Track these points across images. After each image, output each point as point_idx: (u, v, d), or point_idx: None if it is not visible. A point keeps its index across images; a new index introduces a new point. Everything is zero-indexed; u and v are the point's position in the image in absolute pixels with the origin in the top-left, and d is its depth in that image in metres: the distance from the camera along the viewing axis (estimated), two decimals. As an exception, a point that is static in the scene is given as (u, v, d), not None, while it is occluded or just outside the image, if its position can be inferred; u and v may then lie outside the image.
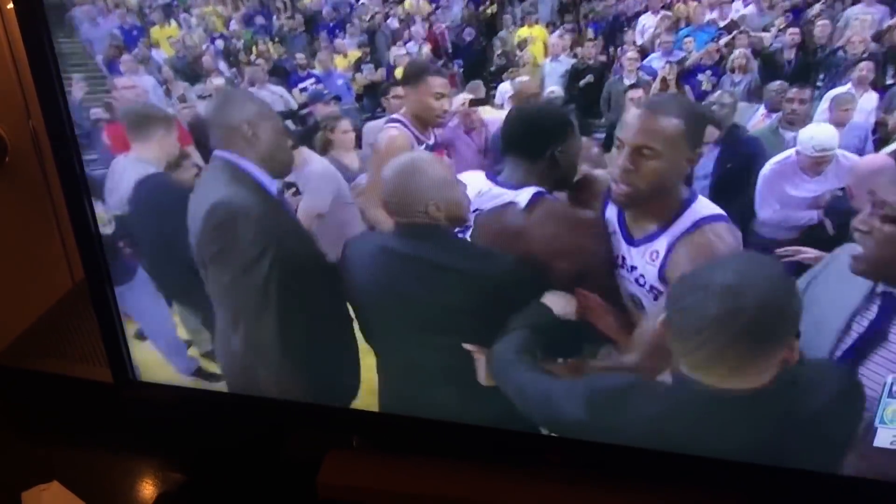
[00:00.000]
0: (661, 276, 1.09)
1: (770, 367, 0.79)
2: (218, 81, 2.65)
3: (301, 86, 2.52)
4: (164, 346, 1.62)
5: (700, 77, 2.20)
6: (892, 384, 0.93)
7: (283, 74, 2.76)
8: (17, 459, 1.85)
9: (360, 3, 3.21)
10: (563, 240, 1.17)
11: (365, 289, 1.29)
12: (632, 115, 1.05)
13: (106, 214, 1.56)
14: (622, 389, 0.99)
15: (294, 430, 1.83)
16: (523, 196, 1.20)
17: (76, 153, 1.49)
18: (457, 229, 1.19)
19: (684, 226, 1.06)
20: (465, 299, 1.20)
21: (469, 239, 1.23)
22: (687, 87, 2.11)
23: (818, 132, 1.31)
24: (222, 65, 2.77)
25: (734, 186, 1.30)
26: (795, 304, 0.78)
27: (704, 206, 1.06)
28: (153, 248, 1.59)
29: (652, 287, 1.13)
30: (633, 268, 1.15)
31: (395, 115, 1.56)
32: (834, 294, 0.93)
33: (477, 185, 1.25)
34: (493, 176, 1.27)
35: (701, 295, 0.76)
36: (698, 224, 1.04)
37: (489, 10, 3.23)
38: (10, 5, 1.40)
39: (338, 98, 2.06)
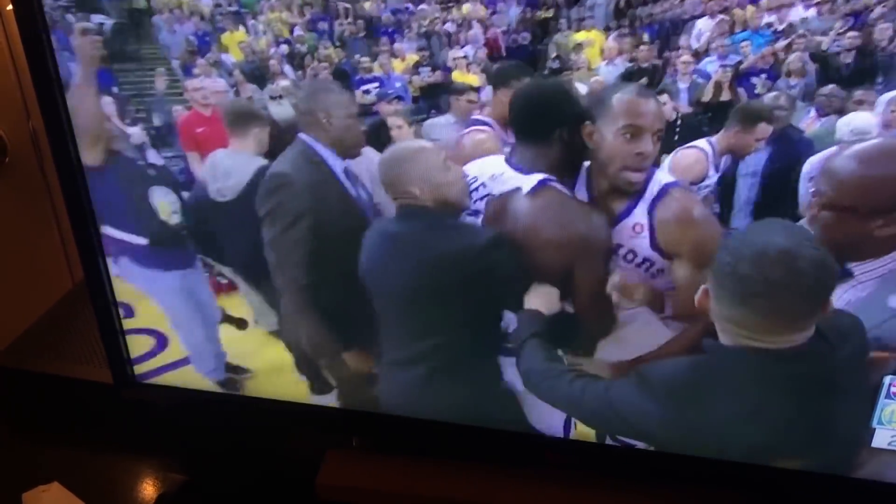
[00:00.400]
0: (655, 245, 1.11)
1: (811, 325, 0.83)
2: (284, 83, 2.79)
3: (364, 88, 2.63)
4: (194, 342, 1.65)
5: (754, 80, 2.19)
6: (889, 385, 0.95)
7: (345, 77, 2.88)
8: (18, 460, 1.89)
9: (418, 8, 3.32)
10: (561, 229, 1.16)
11: (370, 271, 1.32)
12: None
13: (170, 206, 1.65)
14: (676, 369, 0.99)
15: (293, 431, 1.84)
16: (529, 182, 1.19)
17: (75, 153, 1.51)
18: (461, 213, 1.21)
19: (654, 193, 1.09)
20: (452, 280, 1.21)
21: (476, 223, 1.22)
22: (741, 90, 2.10)
23: (855, 118, 1.33)
24: (287, 68, 2.91)
25: (782, 186, 1.31)
26: (834, 264, 0.82)
27: (664, 175, 1.11)
28: (241, 232, 1.62)
29: (645, 259, 1.13)
30: (619, 245, 1.16)
31: (480, 118, 1.58)
32: None
33: (493, 169, 1.25)
34: (509, 159, 1.26)
35: (759, 260, 0.79)
36: (666, 188, 1.08)
37: (544, 15, 3.28)
38: (10, 7, 1.43)
39: (399, 98, 2.15)
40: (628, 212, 1.11)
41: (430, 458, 1.67)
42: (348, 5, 3.42)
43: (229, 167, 1.55)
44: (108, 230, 1.58)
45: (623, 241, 1.13)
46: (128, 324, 1.83)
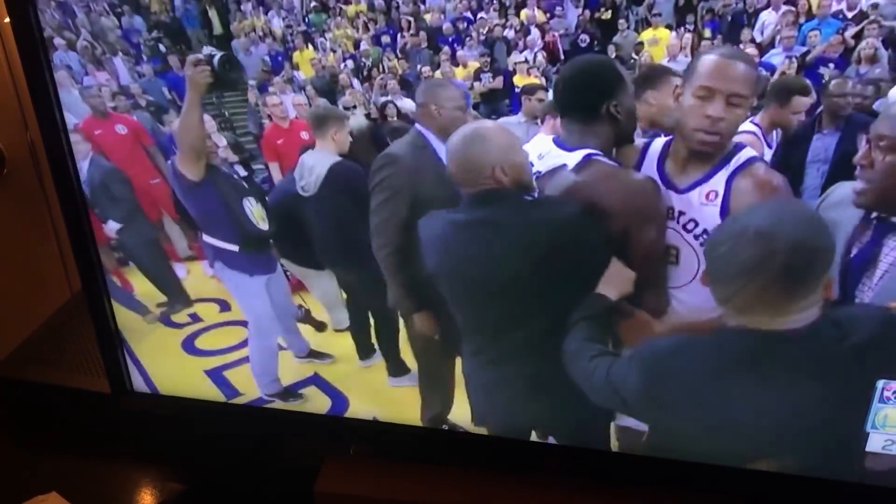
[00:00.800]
0: (725, 212, 1.09)
1: (812, 306, 0.83)
2: (350, 96, 2.95)
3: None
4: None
5: (822, 70, 2.15)
6: (882, 389, 0.93)
7: (409, 87, 3.00)
8: (16, 470, 1.83)
9: (478, 17, 3.41)
10: (611, 200, 1.14)
11: (443, 263, 1.28)
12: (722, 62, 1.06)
13: (262, 213, 1.76)
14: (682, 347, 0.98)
15: (291, 439, 1.80)
16: (574, 158, 1.19)
17: (72, 165, 1.50)
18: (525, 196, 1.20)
19: (738, 163, 1.09)
20: (535, 259, 1.17)
21: (554, 197, 1.19)
22: (808, 82, 2.06)
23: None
24: (356, 82, 3.06)
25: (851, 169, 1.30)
26: (827, 242, 0.81)
27: (751, 150, 1.11)
28: (334, 223, 1.72)
29: (705, 230, 1.13)
30: (682, 213, 1.15)
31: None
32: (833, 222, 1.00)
33: (540, 148, 1.25)
34: (556, 139, 1.26)
35: (735, 242, 0.80)
36: (751, 161, 1.08)
37: (604, 16, 3.31)
38: (7, 20, 1.40)
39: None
40: (706, 178, 1.11)
41: (427, 465, 1.65)
42: (410, 18, 3.56)
43: (312, 164, 1.71)
44: (206, 238, 1.71)
45: (688, 209, 1.13)
46: (221, 317, 1.96)
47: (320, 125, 1.76)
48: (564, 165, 1.20)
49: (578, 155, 1.19)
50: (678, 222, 1.14)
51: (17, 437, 2.02)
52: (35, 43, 1.43)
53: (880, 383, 0.94)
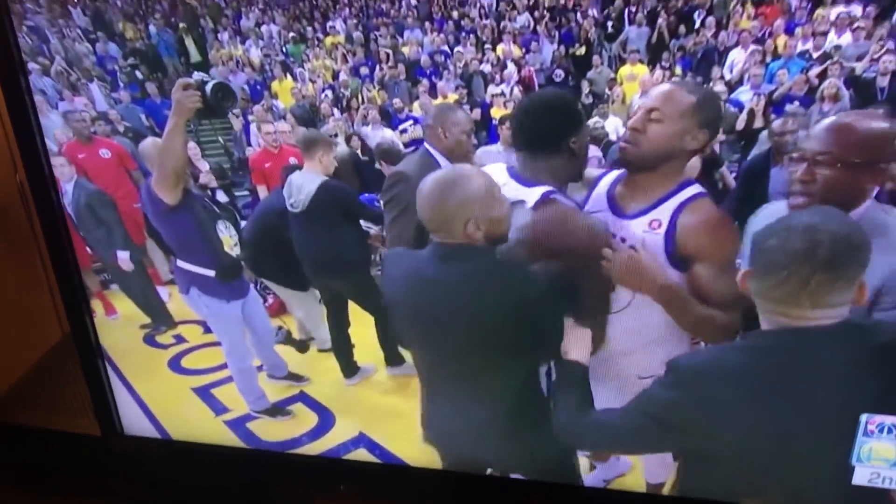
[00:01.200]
0: (669, 242, 1.10)
1: (845, 303, 0.86)
2: (332, 125, 2.97)
3: (401, 127, 2.79)
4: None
5: (788, 108, 2.24)
6: (865, 423, 0.95)
7: (387, 117, 3.04)
8: None
9: (455, 51, 3.49)
10: (568, 241, 1.14)
11: (398, 305, 1.21)
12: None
13: (232, 239, 1.78)
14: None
15: (281, 480, 1.80)
16: (533, 196, 1.16)
17: (58, 205, 1.49)
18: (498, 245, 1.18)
19: (684, 197, 1.11)
20: (497, 315, 1.11)
21: (518, 256, 1.18)
22: (774, 117, 2.15)
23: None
24: (336, 111, 3.09)
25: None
26: (865, 241, 0.85)
27: (698, 187, 1.13)
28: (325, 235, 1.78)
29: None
30: (623, 240, 1.16)
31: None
32: None
33: (496, 178, 1.22)
34: (510, 169, 1.23)
35: (785, 234, 0.83)
36: (696, 196, 1.10)
37: (578, 52, 3.41)
38: None
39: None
40: (652, 208, 1.12)
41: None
42: (389, 51, 3.62)
43: (301, 184, 1.74)
44: (181, 263, 1.71)
45: (630, 236, 1.15)
46: (204, 338, 2.00)
47: (309, 148, 1.81)
48: (524, 202, 1.18)
49: (537, 192, 1.15)
50: (621, 247, 1.16)
51: (8, 482, 1.96)
52: (20, 85, 1.40)
53: (864, 417, 0.94)
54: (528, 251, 1.13)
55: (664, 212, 1.10)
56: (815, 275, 0.82)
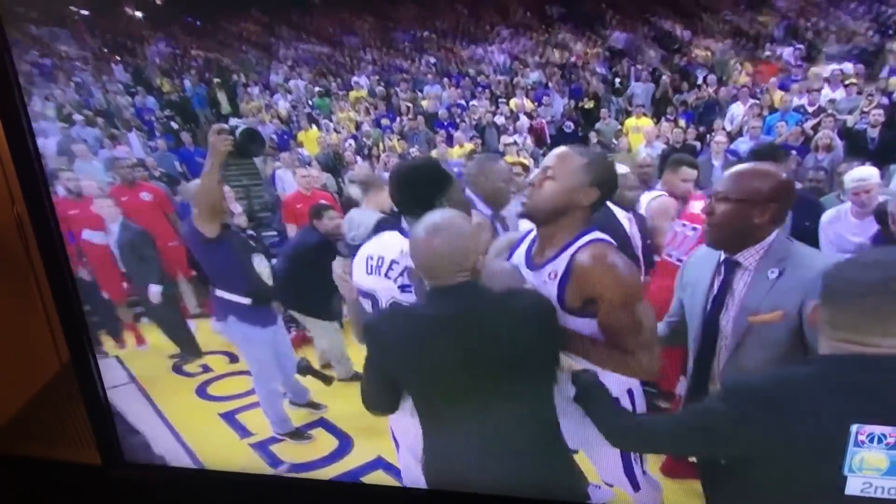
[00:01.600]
0: (561, 294, 1.15)
1: None
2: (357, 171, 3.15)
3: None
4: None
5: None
6: (856, 433, 1.00)
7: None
8: None
9: (470, 104, 3.70)
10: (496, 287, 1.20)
11: (406, 359, 1.19)
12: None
13: (266, 271, 1.90)
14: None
15: None
16: None
17: (58, 236, 1.53)
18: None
19: (582, 242, 1.18)
20: (505, 345, 1.14)
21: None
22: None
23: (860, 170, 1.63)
24: (359, 159, 3.28)
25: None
26: None
27: (598, 233, 1.21)
28: None
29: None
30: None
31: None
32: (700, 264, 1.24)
33: (400, 245, 1.26)
34: (406, 234, 1.29)
35: (862, 267, 0.94)
36: (593, 241, 1.17)
37: (587, 105, 3.60)
38: None
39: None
40: (554, 258, 1.18)
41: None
42: (409, 104, 3.84)
43: (360, 220, 1.88)
44: (219, 292, 1.84)
45: (539, 285, 1.21)
46: (230, 367, 2.12)
47: (367, 189, 1.96)
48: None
49: None
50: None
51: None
52: (19, 117, 1.45)
53: (854, 427, 1.00)
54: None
55: (561, 262, 1.16)
56: (884, 305, 0.93)
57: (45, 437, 1.99)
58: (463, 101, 4.23)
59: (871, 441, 1.01)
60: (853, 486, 1.03)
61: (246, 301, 1.66)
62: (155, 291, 2.09)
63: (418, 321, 1.15)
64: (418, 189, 1.26)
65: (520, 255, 1.27)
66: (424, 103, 4.16)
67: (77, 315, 1.57)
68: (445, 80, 4.21)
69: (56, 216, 1.51)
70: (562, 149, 1.21)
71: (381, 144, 3.58)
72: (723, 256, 1.17)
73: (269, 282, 1.75)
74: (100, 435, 1.67)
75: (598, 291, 1.12)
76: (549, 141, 3.94)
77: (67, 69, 4.22)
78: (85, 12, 3.66)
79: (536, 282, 1.19)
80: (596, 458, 1.31)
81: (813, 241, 1.59)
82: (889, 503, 1.05)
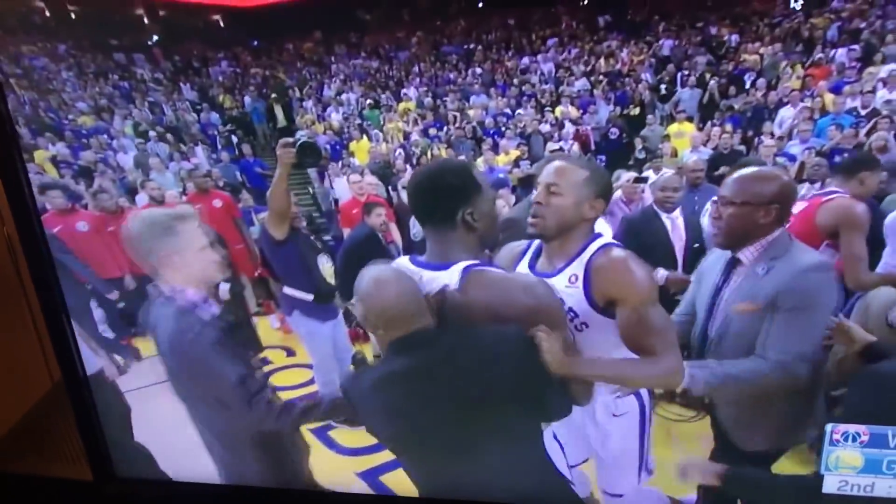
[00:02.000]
0: (588, 292, 1.14)
1: None
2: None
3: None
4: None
5: (838, 160, 2.35)
6: (832, 433, 0.98)
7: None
8: None
9: (517, 113, 3.78)
10: (505, 304, 1.05)
11: (384, 421, 1.09)
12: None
13: (332, 270, 1.99)
14: None
15: None
16: (454, 275, 1.07)
17: (47, 254, 1.50)
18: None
19: (596, 247, 1.17)
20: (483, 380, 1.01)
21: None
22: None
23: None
24: (408, 167, 3.40)
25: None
26: None
27: (606, 238, 1.21)
28: None
29: (570, 309, 1.13)
30: (574, 313, 1.16)
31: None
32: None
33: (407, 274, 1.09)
34: (414, 258, 1.13)
35: None
36: (605, 247, 1.17)
37: (633, 112, 3.63)
38: None
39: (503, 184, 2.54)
40: (568, 265, 1.15)
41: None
42: (457, 113, 3.94)
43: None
44: (287, 290, 1.97)
45: (559, 291, 1.18)
46: (288, 360, 2.22)
47: None
48: (446, 286, 1.06)
49: (456, 271, 1.05)
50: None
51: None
52: (8, 140, 1.45)
53: (829, 427, 1.00)
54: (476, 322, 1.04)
55: (579, 266, 1.13)
56: None
57: (37, 455, 1.99)
58: (508, 111, 4.31)
59: (846, 440, 1.03)
60: (830, 485, 1.04)
61: (309, 297, 1.78)
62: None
63: (385, 379, 1.06)
64: (440, 197, 1.07)
65: (523, 267, 1.27)
66: (471, 113, 4.27)
67: (67, 331, 1.57)
68: (492, 90, 4.32)
69: (45, 235, 1.50)
70: (558, 163, 1.18)
71: (429, 153, 3.70)
72: (730, 254, 1.25)
73: (332, 280, 1.86)
74: (90, 450, 1.67)
75: (617, 293, 1.11)
76: (593, 147, 3.98)
77: (142, 90, 4.53)
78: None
79: (558, 287, 1.19)
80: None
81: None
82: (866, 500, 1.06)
